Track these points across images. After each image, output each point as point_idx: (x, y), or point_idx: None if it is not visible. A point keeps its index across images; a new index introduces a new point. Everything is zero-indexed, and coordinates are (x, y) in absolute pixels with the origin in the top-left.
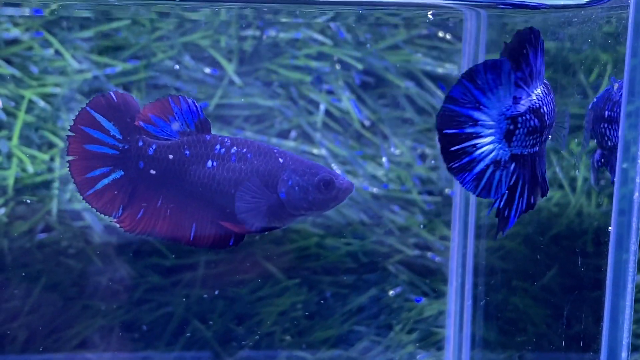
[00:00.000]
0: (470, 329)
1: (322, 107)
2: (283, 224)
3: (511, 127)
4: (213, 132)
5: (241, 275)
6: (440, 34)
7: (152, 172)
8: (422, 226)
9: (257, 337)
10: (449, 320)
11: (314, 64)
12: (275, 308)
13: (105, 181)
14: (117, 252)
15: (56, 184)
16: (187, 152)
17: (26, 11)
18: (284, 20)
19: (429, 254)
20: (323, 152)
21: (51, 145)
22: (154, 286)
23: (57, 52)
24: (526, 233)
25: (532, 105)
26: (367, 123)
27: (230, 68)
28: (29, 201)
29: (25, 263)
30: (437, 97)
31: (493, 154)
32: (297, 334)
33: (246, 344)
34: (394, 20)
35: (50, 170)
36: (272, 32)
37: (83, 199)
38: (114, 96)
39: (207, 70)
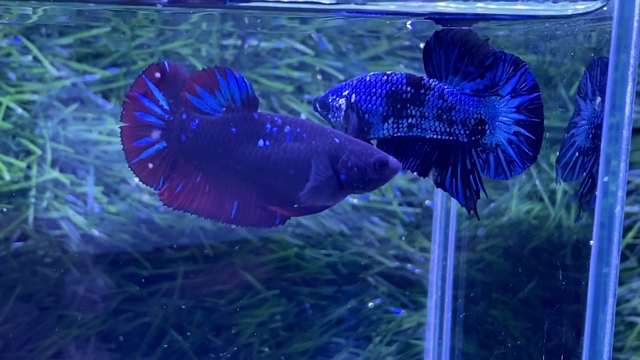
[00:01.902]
0: (449, 342)
1: (303, 116)
2: (335, 203)
3: None
4: None
5: (220, 285)
6: (422, 45)
7: (194, 146)
8: (402, 238)
9: (236, 348)
10: (429, 333)
11: (295, 74)
12: (254, 319)
13: (150, 151)
14: (94, 262)
15: (33, 192)
16: (234, 130)
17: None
18: (264, 31)
19: (409, 266)
20: None
21: (28, 153)
22: (131, 296)
23: (35, 58)
24: (506, 246)
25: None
26: None
27: None
28: (5, 209)
29: (1, 272)
30: None
31: None
32: (275, 345)
33: (224, 355)
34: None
35: (27, 178)
36: (253, 42)
37: (128, 167)
38: (167, 65)
39: None
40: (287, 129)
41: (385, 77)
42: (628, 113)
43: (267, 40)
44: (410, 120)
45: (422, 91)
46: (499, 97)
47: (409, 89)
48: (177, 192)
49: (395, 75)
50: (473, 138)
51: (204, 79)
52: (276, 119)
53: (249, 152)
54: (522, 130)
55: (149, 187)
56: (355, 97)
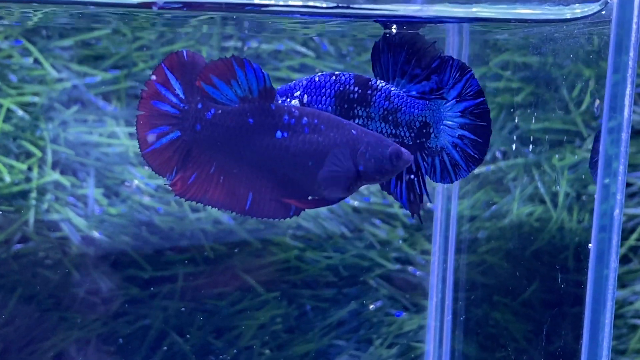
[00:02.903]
0: (450, 344)
1: None
2: (349, 195)
3: None
4: None
5: (220, 288)
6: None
7: (208, 136)
8: (403, 240)
9: (236, 350)
10: (429, 335)
11: (296, 75)
12: (255, 321)
13: (164, 140)
14: (94, 264)
15: (34, 194)
16: (251, 120)
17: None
18: (265, 34)
19: (410, 268)
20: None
21: (29, 155)
22: (132, 298)
23: (36, 60)
24: (508, 248)
25: None
26: None
27: None
28: (5, 211)
29: (1, 274)
30: None
31: None
32: (276, 347)
33: (225, 357)
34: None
35: (27, 180)
36: (254, 44)
37: (142, 156)
38: (185, 54)
39: None
40: (304, 120)
41: (334, 77)
42: (627, 115)
43: (268, 42)
44: (357, 121)
45: (369, 92)
46: (444, 101)
47: (356, 89)
48: (190, 182)
49: (344, 75)
50: (418, 141)
51: (221, 69)
52: (293, 110)
53: (267, 143)
54: (467, 134)
55: (161, 176)
56: (307, 97)
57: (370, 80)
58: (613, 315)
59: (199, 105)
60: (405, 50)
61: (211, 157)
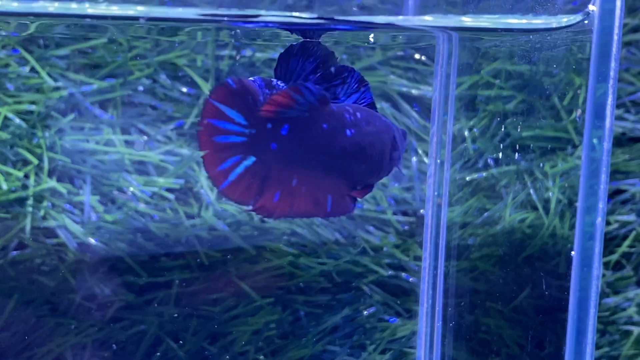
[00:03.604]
0: (440, 350)
1: None
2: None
3: None
4: (189, 149)
5: (215, 294)
6: (416, 56)
7: (287, 151)
8: (395, 247)
9: (230, 356)
10: (420, 341)
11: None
12: (249, 327)
13: (238, 170)
14: (90, 270)
15: (30, 201)
16: (325, 125)
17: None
18: (259, 42)
19: (403, 274)
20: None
21: (26, 163)
22: (127, 304)
23: (33, 69)
24: (499, 254)
25: None
26: None
27: (206, 87)
28: (2, 218)
29: None
30: (412, 118)
31: None
32: (270, 353)
33: None
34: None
35: (24, 187)
36: (248, 52)
37: (220, 192)
38: (232, 83)
39: (184, 89)
40: (359, 115)
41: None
42: (609, 125)
43: (262, 51)
44: None
45: (274, 92)
46: None
47: (267, 91)
48: (275, 201)
49: (256, 79)
50: None
51: (280, 102)
52: (346, 107)
53: (341, 143)
54: None
55: (244, 206)
56: None
57: (273, 81)
58: (596, 323)
59: (269, 125)
60: (314, 58)
61: (291, 171)
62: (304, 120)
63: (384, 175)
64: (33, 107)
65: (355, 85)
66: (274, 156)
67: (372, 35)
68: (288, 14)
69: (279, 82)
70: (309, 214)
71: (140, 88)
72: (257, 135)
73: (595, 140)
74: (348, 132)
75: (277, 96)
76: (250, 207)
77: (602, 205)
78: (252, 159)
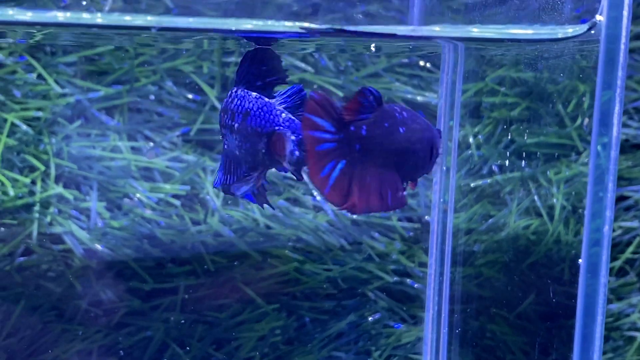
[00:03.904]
0: (445, 357)
1: None
2: None
3: None
4: (195, 156)
5: (221, 300)
6: (421, 63)
7: (366, 150)
8: (401, 253)
9: None
10: (426, 348)
11: None
12: (255, 333)
13: (335, 174)
14: (96, 276)
15: (37, 208)
16: (386, 124)
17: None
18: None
19: (408, 281)
20: (304, 176)
21: (33, 169)
22: (133, 310)
23: (40, 76)
24: (504, 261)
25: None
26: None
27: (212, 93)
28: (9, 224)
29: (5, 286)
30: None
31: None
32: (275, 359)
33: None
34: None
35: (31, 193)
36: None
37: (324, 197)
38: (315, 95)
39: (190, 96)
40: (405, 114)
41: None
42: (616, 133)
43: None
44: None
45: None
46: None
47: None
48: (357, 198)
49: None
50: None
51: (355, 106)
52: (394, 106)
53: (398, 140)
54: None
55: (339, 206)
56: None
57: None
58: (603, 330)
59: (352, 128)
60: (261, 64)
61: (365, 169)
62: (372, 120)
63: (428, 171)
64: (40, 114)
65: (295, 96)
66: (357, 156)
67: (373, 44)
68: (306, 25)
69: (234, 88)
70: (376, 208)
71: (147, 95)
72: (343, 140)
73: (599, 147)
74: (401, 129)
75: (350, 103)
76: (342, 207)
77: (609, 213)
78: (343, 162)
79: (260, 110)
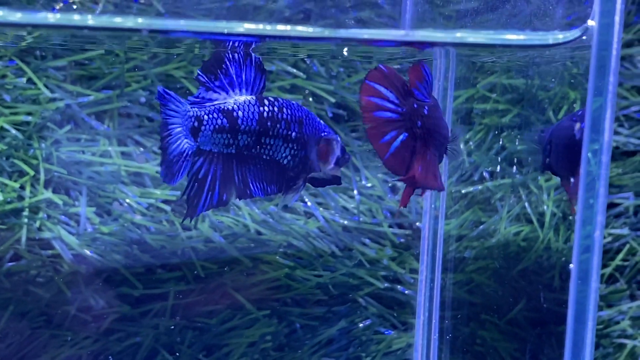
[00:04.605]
0: None
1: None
2: None
3: (196, 124)
4: None
5: (211, 306)
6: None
7: (427, 129)
8: (391, 259)
9: None
10: (416, 354)
11: (286, 96)
12: (245, 339)
13: (396, 144)
14: (86, 282)
15: (26, 213)
16: (440, 112)
17: None
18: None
19: (399, 287)
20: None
21: (22, 174)
22: (123, 316)
23: (30, 80)
24: (495, 267)
25: (224, 108)
26: None
27: None
28: None
29: None
30: None
31: (182, 146)
32: None
33: None
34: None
35: (20, 198)
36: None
37: (383, 163)
38: (384, 68)
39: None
40: (431, 101)
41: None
42: (607, 139)
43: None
44: None
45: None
46: None
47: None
48: (418, 173)
49: None
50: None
51: (418, 73)
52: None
53: (443, 123)
54: None
55: (397, 175)
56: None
57: None
58: (594, 335)
59: (415, 105)
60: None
61: (426, 147)
62: (433, 104)
63: (440, 161)
64: (29, 118)
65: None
66: (419, 132)
67: (346, 49)
68: (307, 30)
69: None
70: (432, 186)
71: (138, 99)
72: (406, 114)
73: (590, 154)
74: (439, 113)
75: (414, 69)
76: (401, 177)
77: (600, 218)
78: (405, 134)
79: (307, 118)
